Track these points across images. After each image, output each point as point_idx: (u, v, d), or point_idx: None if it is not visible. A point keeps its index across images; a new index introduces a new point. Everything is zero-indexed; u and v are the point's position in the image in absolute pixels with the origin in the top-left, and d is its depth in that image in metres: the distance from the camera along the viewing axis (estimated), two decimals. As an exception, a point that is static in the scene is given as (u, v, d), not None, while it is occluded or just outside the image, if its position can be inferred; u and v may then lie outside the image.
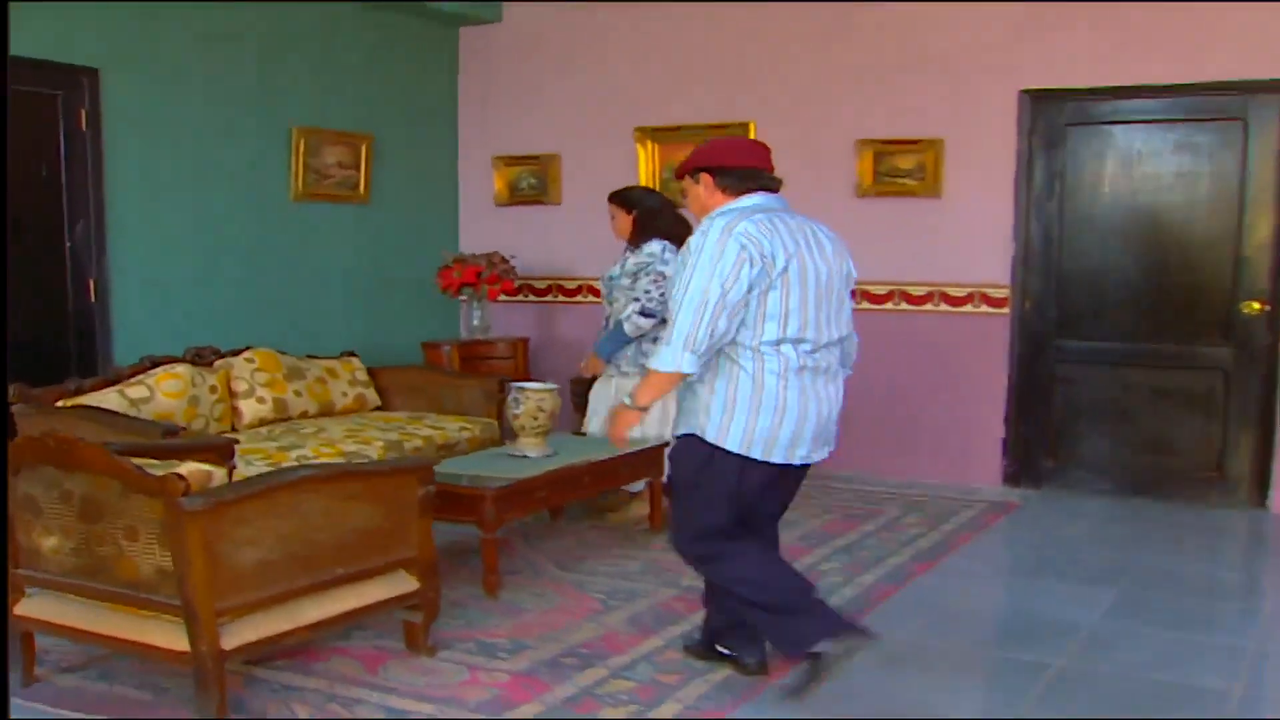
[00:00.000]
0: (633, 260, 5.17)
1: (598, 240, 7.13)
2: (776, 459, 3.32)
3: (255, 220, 6.31)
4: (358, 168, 6.87)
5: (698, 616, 4.16)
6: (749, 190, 3.36)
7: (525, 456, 4.82)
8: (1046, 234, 6.22)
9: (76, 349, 5.65)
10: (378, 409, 6.03)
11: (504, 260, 6.75)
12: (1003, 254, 6.23)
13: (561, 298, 7.40)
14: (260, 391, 5.46)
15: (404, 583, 3.71)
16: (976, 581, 4.71)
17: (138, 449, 3.50)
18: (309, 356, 6.01)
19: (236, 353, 5.61)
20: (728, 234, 3.19)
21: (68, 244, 5.60)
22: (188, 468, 3.18)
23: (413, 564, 3.73)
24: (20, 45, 5.08)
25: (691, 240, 3.26)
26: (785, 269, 3.22)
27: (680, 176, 3.49)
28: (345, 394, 5.87)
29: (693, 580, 4.50)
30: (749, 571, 3.37)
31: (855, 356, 3.59)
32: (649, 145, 7.02)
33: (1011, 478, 6.34)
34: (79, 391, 4.90)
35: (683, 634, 4.01)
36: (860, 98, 6.45)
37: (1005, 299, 6.24)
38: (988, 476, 6.35)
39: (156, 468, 3.20)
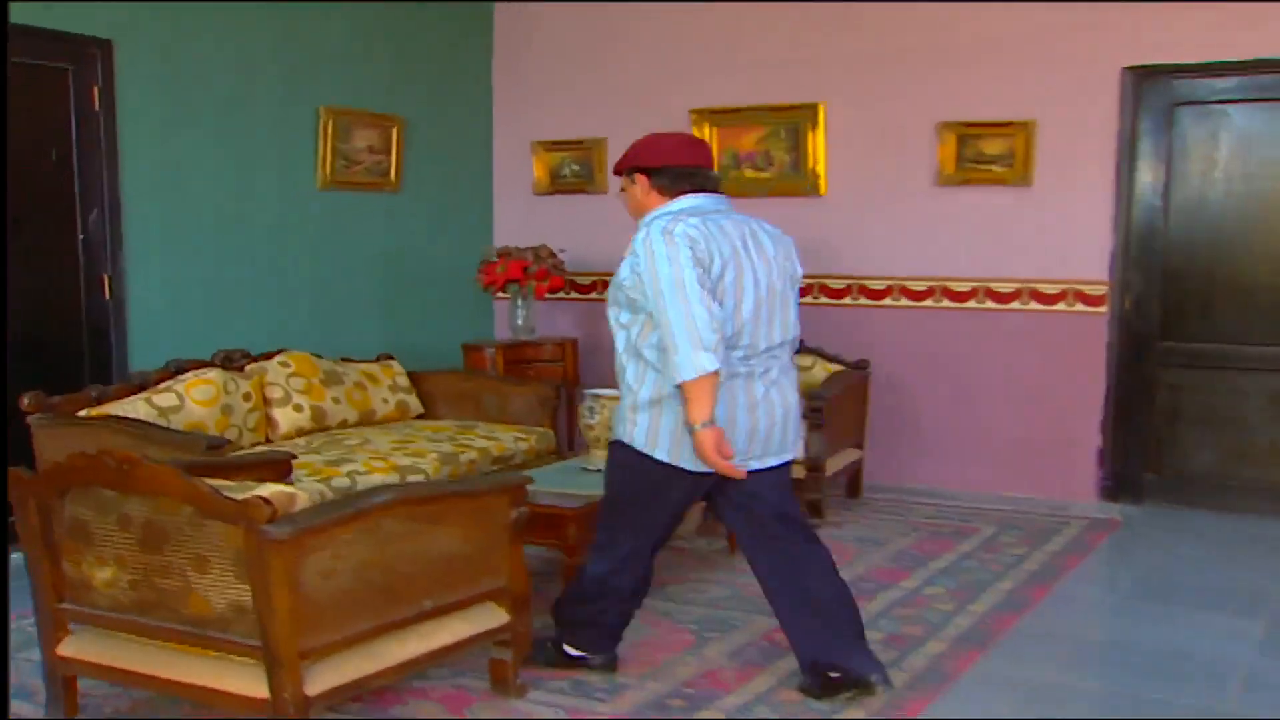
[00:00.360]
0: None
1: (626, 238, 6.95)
2: (704, 469, 3.33)
3: (281, 210, 6.10)
4: (388, 153, 6.66)
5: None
6: (685, 191, 3.38)
7: (599, 470, 4.58)
8: (1150, 225, 6.01)
9: (90, 351, 5.40)
10: (420, 417, 5.84)
11: (552, 254, 6.54)
12: (1100, 247, 6.02)
13: (580, 295, 7.18)
14: (297, 399, 5.26)
15: (493, 616, 3.51)
16: (1103, 610, 4.50)
17: (193, 468, 3.26)
18: (344, 360, 5.80)
19: (269, 356, 5.40)
20: (668, 237, 3.21)
21: (80, 236, 5.36)
22: (269, 490, 2.95)
23: (503, 595, 3.53)
24: (24, 12, 4.83)
25: (636, 244, 3.27)
26: (721, 274, 3.25)
27: (617, 174, 3.52)
28: (386, 401, 5.69)
29: None
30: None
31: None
32: (707, 129, 6.80)
33: (1109, 492, 6.12)
34: (101, 400, 4.68)
35: (792, 670, 3.79)
36: (943, 76, 6.24)
37: (1103, 296, 6.03)
38: (1082, 490, 6.14)
39: (231, 489, 2.97)
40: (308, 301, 6.23)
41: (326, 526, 2.95)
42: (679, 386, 3.21)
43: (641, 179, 3.44)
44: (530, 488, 4.14)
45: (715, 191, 3.43)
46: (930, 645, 4.06)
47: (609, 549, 3.58)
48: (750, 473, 3.40)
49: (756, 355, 3.36)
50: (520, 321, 6.64)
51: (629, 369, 3.41)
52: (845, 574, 4.65)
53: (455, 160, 7.21)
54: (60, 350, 5.30)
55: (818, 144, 6.53)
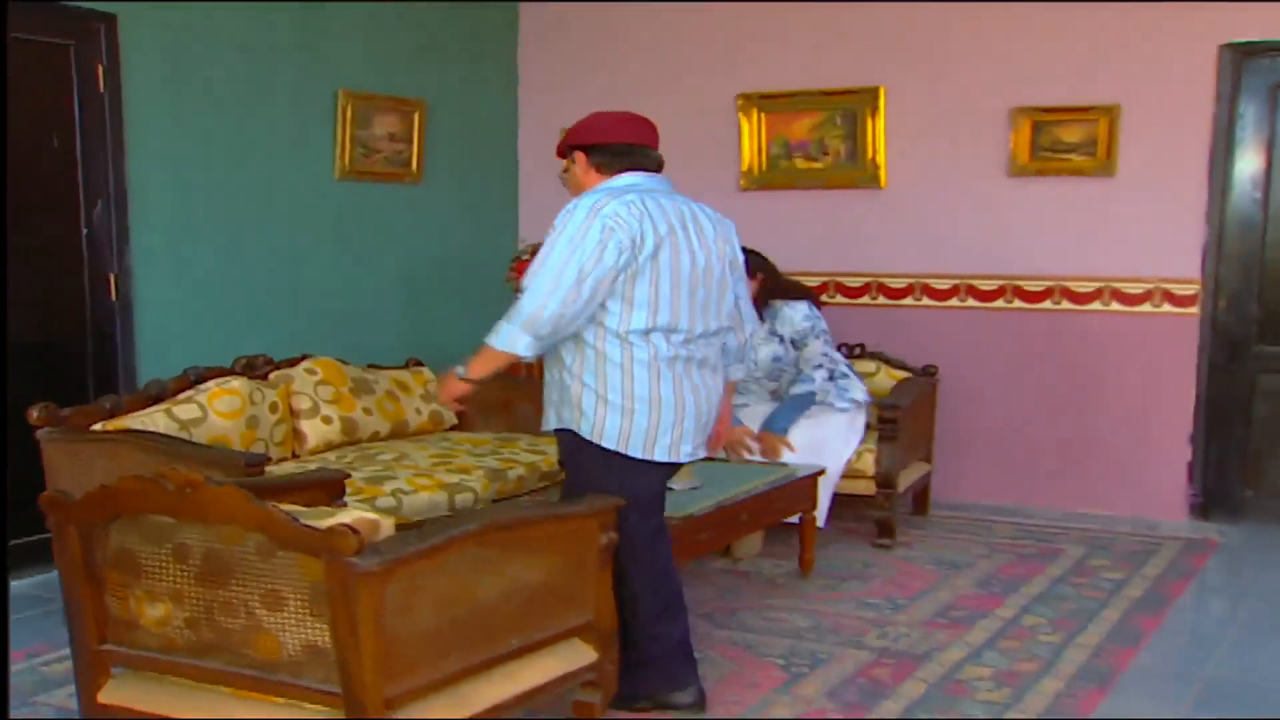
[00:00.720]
0: (785, 329, 5.35)
1: None
2: (659, 457, 3.39)
3: (296, 202, 5.92)
4: (410, 140, 6.49)
5: (908, 687, 3.79)
6: (623, 169, 3.43)
7: (670, 489, 4.39)
8: (1247, 218, 5.85)
9: (94, 357, 5.20)
10: (454, 428, 5.70)
11: None
12: (1191, 243, 5.87)
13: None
14: (326, 409, 5.09)
15: (580, 654, 3.34)
16: (1226, 643, 4.32)
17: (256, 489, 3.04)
18: (372, 366, 5.63)
19: (293, 362, 5.22)
20: (594, 215, 3.25)
21: (84, 230, 5.15)
22: (350, 516, 2.75)
23: (589, 631, 3.36)
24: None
25: (557, 218, 3.32)
26: (654, 254, 3.29)
27: (559, 155, 3.56)
28: (419, 411, 5.54)
29: (880, 639, 4.23)
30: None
31: (748, 356, 3.69)
32: (755, 116, 6.64)
33: (1200, 510, 5.96)
34: (115, 411, 4.48)
35: (905, 710, 3.60)
36: (1017, 57, 6.08)
37: (1193, 296, 5.87)
38: (1170, 508, 5.98)
39: (308, 516, 2.77)
40: (325, 302, 6.05)
41: (416, 557, 2.76)
42: (485, 343, 3.36)
43: (580, 157, 3.49)
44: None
45: (656, 171, 3.47)
46: (1046, 683, 3.88)
47: None
48: (670, 465, 3.46)
49: (694, 340, 3.42)
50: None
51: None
52: (930, 600, 4.66)
53: (479, 149, 7.04)
54: (62, 356, 5.11)
55: (877, 131, 6.37)
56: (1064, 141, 6.01)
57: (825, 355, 5.36)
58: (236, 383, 4.74)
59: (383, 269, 6.40)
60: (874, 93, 6.36)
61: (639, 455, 3.39)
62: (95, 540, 2.99)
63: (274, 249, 5.82)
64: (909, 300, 6.40)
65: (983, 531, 5.82)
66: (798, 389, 5.31)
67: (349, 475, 3.78)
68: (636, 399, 3.35)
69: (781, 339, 5.40)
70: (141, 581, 2.93)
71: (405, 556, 2.73)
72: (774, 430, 5.23)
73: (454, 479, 4.64)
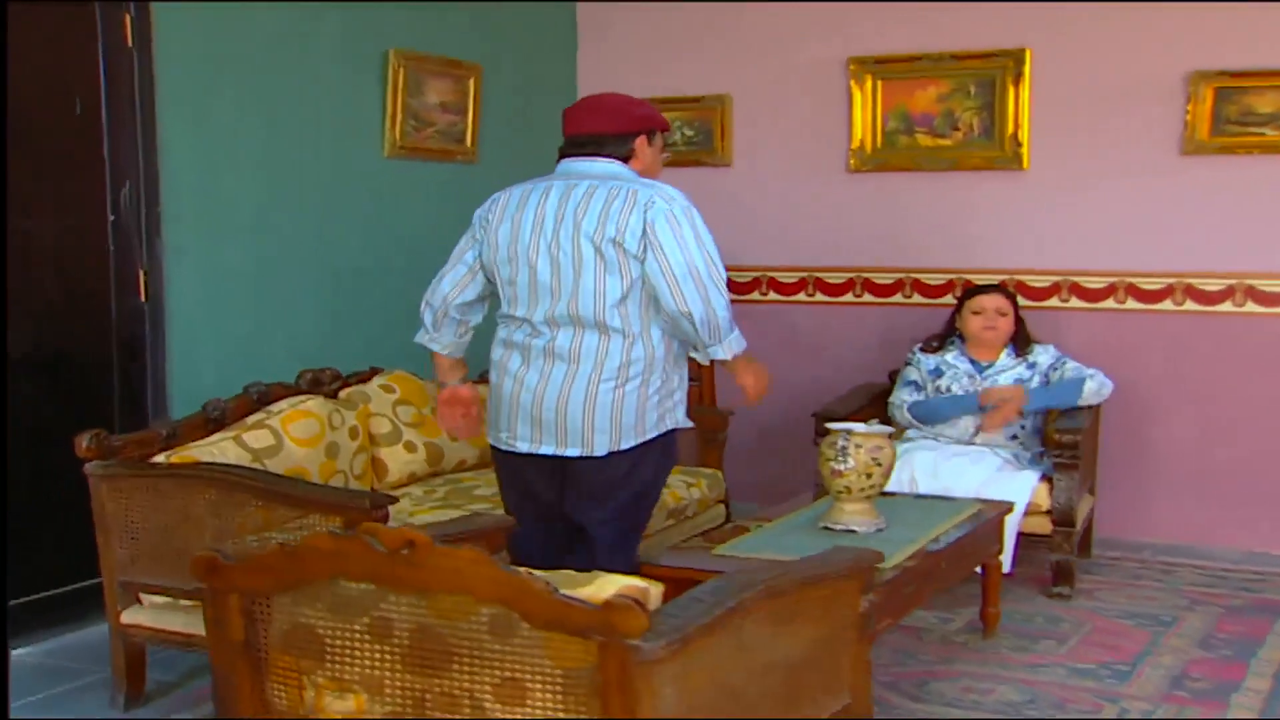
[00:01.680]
0: (1042, 358, 5.59)
1: (789, 215, 6.63)
2: (493, 441, 3.90)
3: (341, 184, 5.67)
4: (464, 112, 6.23)
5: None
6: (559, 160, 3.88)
7: (852, 531, 4.19)
8: None
9: (120, 368, 4.88)
10: None
11: None
12: None
13: (736, 295, 6.70)
14: (408, 434, 4.91)
15: (833, 747, 3.03)
16: None
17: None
18: None
19: (364, 377, 5.02)
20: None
21: (110, 217, 4.82)
22: (616, 584, 2.48)
23: (848, 714, 3.06)
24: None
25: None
26: (498, 239, 3.83)
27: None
28: None
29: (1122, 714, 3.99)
30: None
31: (725, 335, 3.77)
32: (869, 83, 6.42)
33: None
34: (172, 440, 4.19)
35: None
36: (1196, 11, 5.87)
37: None
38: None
39: (560, 584, 2.46)
40: (375, 301, 5.75)
41: (700, 635, 2.47)
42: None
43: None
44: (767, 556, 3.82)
45: (585, 155, 3.80)
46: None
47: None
48: (518, 455, 3.81)
49: (534, 325, 3.75)
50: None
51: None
52: (1155, 667, 4.52)
53: (536, 122, 6.75)
54: (84, 367, 4.82)
55: (1020, 103, 6.15)
56: (1256, 113, 5.80)
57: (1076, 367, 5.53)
58: (312, 403, 4.52)
59: (434, 262, 6.08)
60: (1017, 55, 6.14)
61: (490, 439, 3.93)
62: (257, 613, 2.67)
63: (318, 240, 5.54)
64: (1054, 301, 6.18)
65: (1165, 577, 5.61)
66: (1073, 374, 5.46)
67: (515, 523, 3.50)
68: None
69: (1031, 364, 5.55)
70: (325, 666, 2.63)
71: (691, 634, 2.44)
72: (1025, 406, 5.38)
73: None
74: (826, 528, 4.24)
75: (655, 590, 2.57)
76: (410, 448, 4.86)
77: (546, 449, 3.74)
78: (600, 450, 3.71)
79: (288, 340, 5.28)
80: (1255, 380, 5.92)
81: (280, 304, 5.32)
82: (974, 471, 5.14)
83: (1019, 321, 5.59)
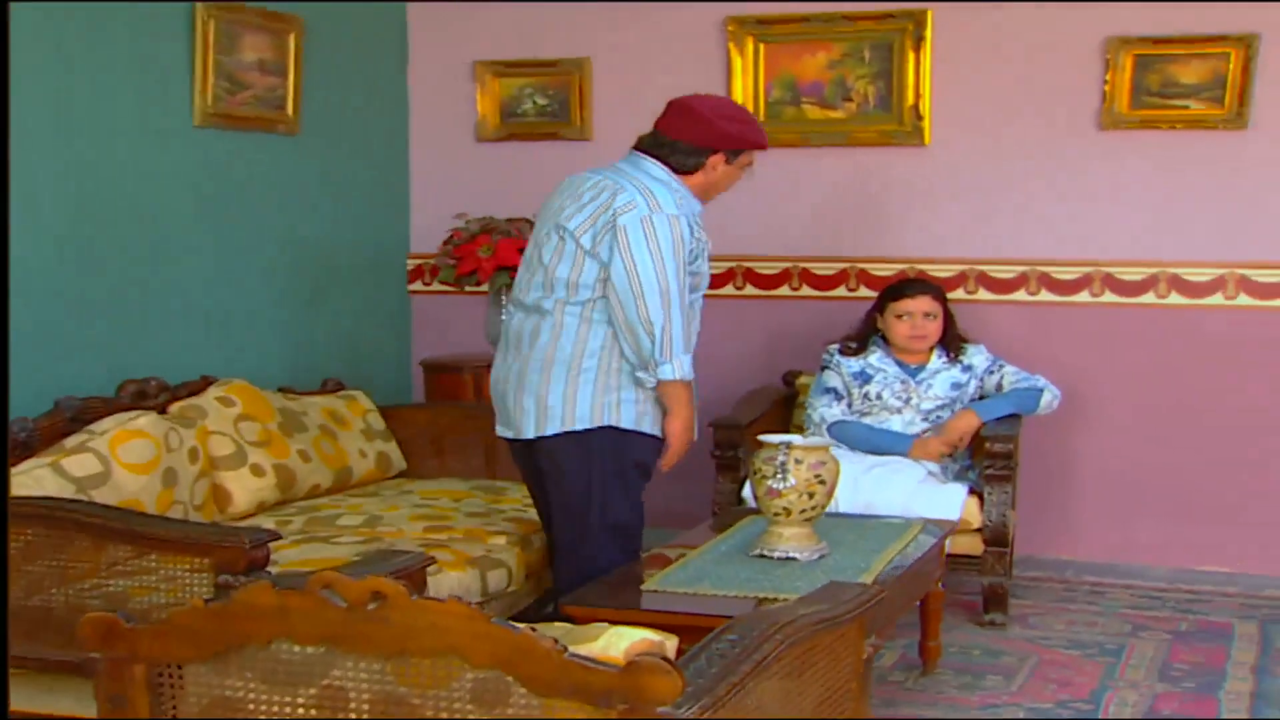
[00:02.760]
0: (976, 359, 5.62)
1: None
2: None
3: (146, 157, 5.33)
4: (285, 74, 5.98)
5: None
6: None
7: (792, 559, 4.09)
8: None
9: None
10: (401, 475, 5.46)
11: None
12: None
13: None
14: (255, 456, 4.67)
15: (837, 818, 2.90)
16: None
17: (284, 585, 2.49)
18: (285, 390, 5.25)
19: (196, 389, 4.78)
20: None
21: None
22: (630, 638, 2.32)
23: None
24: None
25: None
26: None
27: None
28: (364, 454, 5.25)
29: None
30: None
31: (652, 355, 4.05)
32: (750, 47, 6.35)
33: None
34: (-25, 467, 3.84)
35: None
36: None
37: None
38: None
39: (567, 638, 2.27)
40: (192, 297, 5.45)
41: (729, 695, 2.30)
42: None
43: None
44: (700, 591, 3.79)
45: (646, 152, 4.30)
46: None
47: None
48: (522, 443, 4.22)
49: (519, 307, 4.24)
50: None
51: None
52: (1122, 706, 4.48)
53: (365, 88, 6.56)
54: None
55: (921, 70, 6.13)
56: (1179, 83, 5.86)
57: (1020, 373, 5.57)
58: (144, 420, 4.27)
59: (255, 251, 5.84)
60: (917, 17, 6.11)
61: None
62: (165, 687, 2.41)
63: (124, 227, 5.17)
64: (959, 293, 6.14)
65: (1097, 599, 5.68)
66: (1022, 383, 5.49)
67: (433, 561, 3.31)
68: None
69: (966, 367, 5.54)
70: None
71: (722, 695, 2.27)
72: (979, 414, 5.39)
73: (477, 551, 4.34)
74: (763, 554, 4.10)
75: (671, 644, 2.40)
76: (257, 471, 4.64)
77: (499, 429, 4.25)
78: (527, 432, 4.11)
79: (100, 346, 4.95)
80: (1181, 380, 5.98)
81: (85, 304, 4.96)
82: (897, 484, 5.07)
83: (949, 319, 5.56)
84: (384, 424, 5.41)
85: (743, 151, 4.27)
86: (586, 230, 4.07)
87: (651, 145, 4.27)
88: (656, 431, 4.19)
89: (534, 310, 4.15)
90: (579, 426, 4.06)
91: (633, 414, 4.11)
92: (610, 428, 4.08)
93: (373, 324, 6.57)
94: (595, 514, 4.11)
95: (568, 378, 4.06)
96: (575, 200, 4.17)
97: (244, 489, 4.56)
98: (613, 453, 4.10)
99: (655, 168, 4.21)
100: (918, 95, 6.14)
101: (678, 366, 4.05)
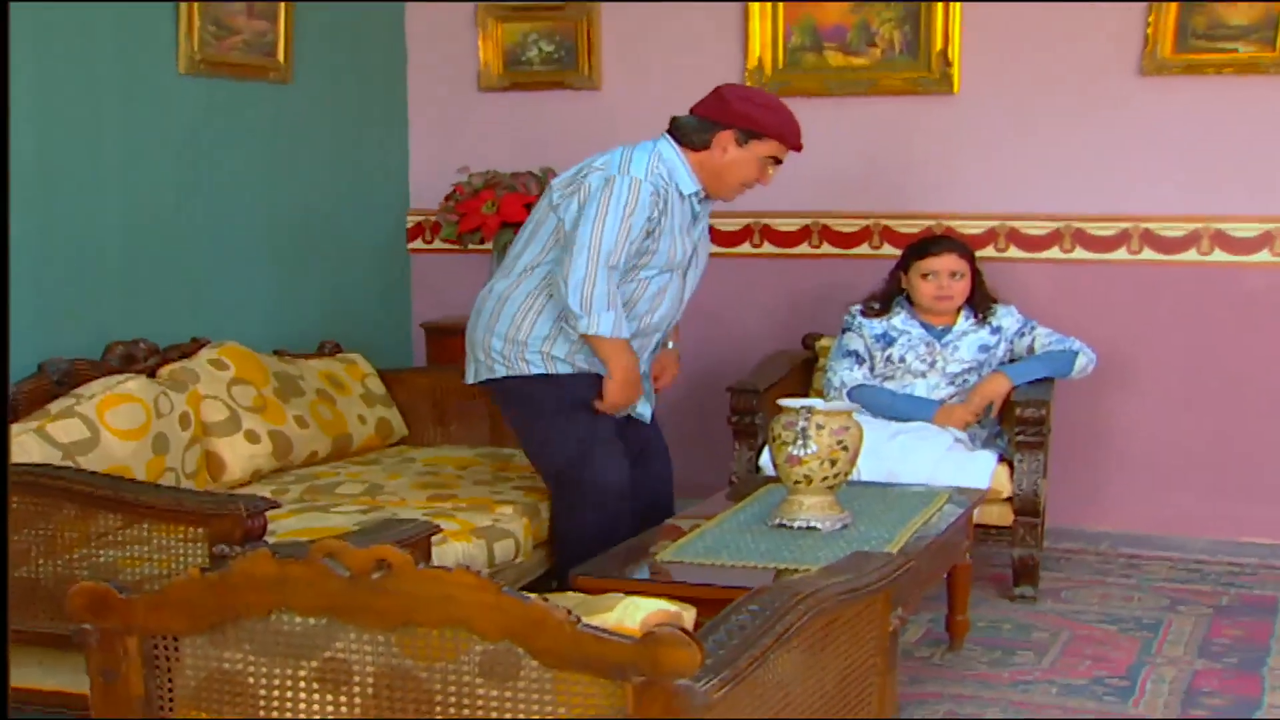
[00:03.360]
0: (1006, 321, 5.63)
1: None
2: None
3: (128, 107, 5.34)
4: (275, 18, 6.01)
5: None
6: None
7: (814, 528, 4.13)
8: None
9: None
10: (403, 441, 5.54)
11: None
12: None
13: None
14: (249, 422, 4.74)
15: (860, 798, 2.96)
16: None
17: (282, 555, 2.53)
18: (281, 354, 5.31)
19: (187, 351, 4.84)
20: None
21: None
22: (646, 609, 2.37)
23: None
24: None
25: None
26: None
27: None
28: (363, 420, 5.32)
29: None
30: None
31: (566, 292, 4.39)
32: (767, -6, 6.32)
33: None
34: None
35: None
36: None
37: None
38: None
39: (581, 608, 2.32)
40: (179, 253, 5.51)
41: (749, 667, 2.34)
42: None
43: None
44: (715, 562, 3.86)
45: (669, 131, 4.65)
46: None
47: None
48: None
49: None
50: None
51: None
52: (1159, 683, 4.53)
53: (361, 35, 6.56)
54: None
55: (950, 13, 6.13)
56: (1228, 24, 5.86)
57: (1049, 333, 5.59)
58: (133, 384, 4.35)
59: (246, 207, 5.87)
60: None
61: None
62: (160, 660, 2.46)
63: (107, 180, 5.20)
64: (989, 251, 6.16)
65: (1133, 572, 5.71)
66: (1055, 345, 5.51)
67: (438, 530, 3.36)
68: None
69: (995, 329, 5.55)
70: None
71: (743, 669, 2.31)
72: (1010, 377, 5.41)
73: (485, 521, 4.39)
74: (782, 524, 4.15)
75: (689, 615, 2.43)
76: (252, 438, 4.71)
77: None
78: (468, 378, 4.70)
79: (85, 307, 5.00)
80: (1224, 342, 5.99)
81: (68, 264, 4.99)
82: (923, 451, 5.10)
83: (977, 278, 5.58)
84: (384, 389, 5.48)
85: (758, 138, 4.49)
86: (559, 189, 4.52)
87: (674, 127, 4.57)
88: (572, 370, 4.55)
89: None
90: (487, 377, 4.62)
91: (540, 363, 4.52)
92: (509, 378, 4.56)
93: (370, 284, 6.60)
94: (545, 467, 4.60)
95: (489, 321, 4.57)
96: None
97: (238, 456, 4.62)
98: (526, 404, 4.59)
99: (664, 143, 4.53)
100: (947, 40, 6.13)
101: (594, 323, 4.32)
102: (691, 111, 4.57)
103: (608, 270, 4.32)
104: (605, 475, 4.47)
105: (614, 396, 4.49)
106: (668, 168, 4.49)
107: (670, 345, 4.94)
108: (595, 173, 4.42)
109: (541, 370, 4.50)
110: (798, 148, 4.61)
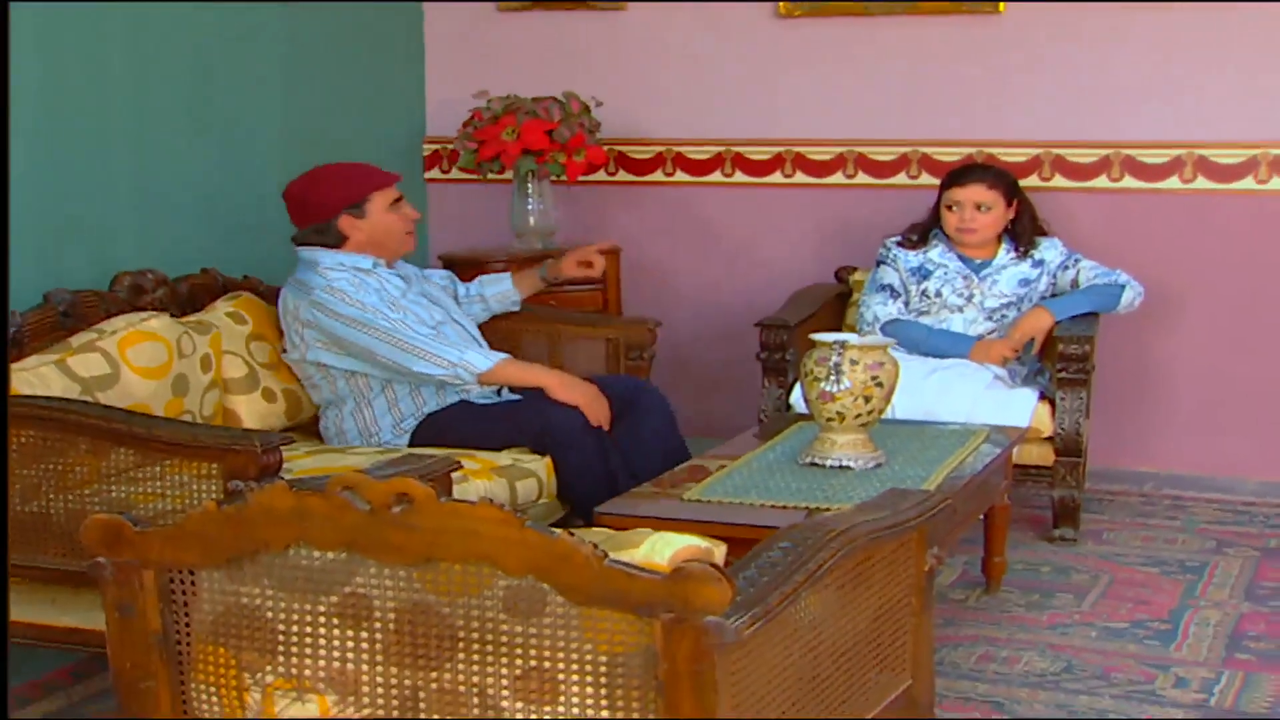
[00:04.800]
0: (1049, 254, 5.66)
1: (700, 73, 6.55)
2: None
3: (130, 29, 5.35)
4: None
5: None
6: None
7: (846, 467, 4.19)
8: None
9: None
10: None
11: (586, 109, 6.05)
12: None
13: (633, 176, 6.61)
14: (266, 380, 4.87)
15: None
16: None
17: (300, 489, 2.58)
18: None
19: (198, 283, 4.98)
20: None
21: None
22: (676, 545, 2.42)
23: (908, 703, 3.08)
24: None
25: None
26: None
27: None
28: None
29: (1179, 690, 4.11)
30: None
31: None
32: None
33: None
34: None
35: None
36: None
37: None
38: None
39: (609, 544, 2.38)
40: (174, 182, 5.53)
41: (780, 605, 2.40)
42: None
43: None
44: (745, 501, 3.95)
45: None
46: None
47: None
48: None
49: None
50: (533, 220, 6.17)
51: None
52: (1202, 625, 4.59)
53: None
54: None
55: (995, -71, 6.11)
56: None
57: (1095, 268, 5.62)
58: (156, 323, 4.43)
59: (254, 133, 5.89)
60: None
61: None
62: (177, 595, 2.52)
63: (106, 107, 5.22)
64: (1034, 179, 6.16)
65: (1178, 514, 5.75)
66: (1101, 278, 5.54)
67: (459, 466, 3.43)
68: None
69: (1038, 262, 5.61)
70: (276, 661, 2.51)
71: (773, 606, 2.37)
72: (1052, 312, 5.43)
73: (503, 459, 4.48)
74: (814, 463, 4.21)
75: (719, 552, 2.49)
76: (269, 396, 4.83)
77: None
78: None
79: (89, 237, 5.07)
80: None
81: (71, 193, 5.02)
82: (961, 389, 5.14)
83: (1021, 209, 5.60)
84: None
85: (364, 202, 4.90)
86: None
87: (301, 243, 4.92)
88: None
89: None
90: None
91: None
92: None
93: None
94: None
95: None
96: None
97: (254, 414, 4.72)
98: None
99: (311, 255, 4.87)
100: (990, -47, 6.13)
101: (466, 367, 4.69)
102: (296, 224, 4.94)
103: (402, 342, 4.66)
104: (568, 419, 4.64)
105: (573, 396, 4.71)
106: (330, 264, 4.80)
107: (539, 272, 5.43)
108: (293, 311, 4.77)
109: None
110: (392, 179, 5.00)
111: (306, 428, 4.99)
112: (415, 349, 4.64)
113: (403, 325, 4.66)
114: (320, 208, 4.84)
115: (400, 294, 4.88)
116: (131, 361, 4.23)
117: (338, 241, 4.85)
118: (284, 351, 4.84)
